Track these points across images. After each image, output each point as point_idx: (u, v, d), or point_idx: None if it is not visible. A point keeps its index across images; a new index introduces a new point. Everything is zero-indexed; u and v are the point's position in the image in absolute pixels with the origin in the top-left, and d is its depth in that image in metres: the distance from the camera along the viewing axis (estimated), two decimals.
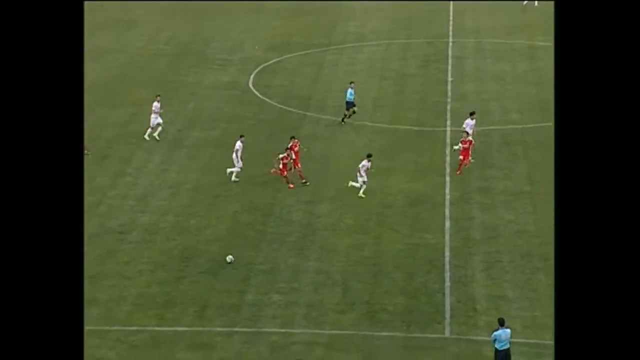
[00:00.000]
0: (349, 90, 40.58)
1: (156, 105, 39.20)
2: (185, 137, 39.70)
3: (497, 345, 22.96)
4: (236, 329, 25.64)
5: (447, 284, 28.00)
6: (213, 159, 37.68)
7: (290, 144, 35.14)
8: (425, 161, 37.09)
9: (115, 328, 25.65)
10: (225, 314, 26.48)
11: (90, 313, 26.34)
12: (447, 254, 29.82)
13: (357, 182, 33.92)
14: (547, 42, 50.99)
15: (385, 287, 27.96)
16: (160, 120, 39.09)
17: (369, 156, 34.10)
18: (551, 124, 40.18)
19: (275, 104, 43.90)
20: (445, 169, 36.17)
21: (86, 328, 25.70)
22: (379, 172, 35.78)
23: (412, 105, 43.34)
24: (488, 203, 33.32)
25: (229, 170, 35.52)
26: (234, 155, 35.17)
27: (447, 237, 30.88)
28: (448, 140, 38.81)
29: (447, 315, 26.31)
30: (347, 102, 40.69)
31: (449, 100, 43.60)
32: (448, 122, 41.17)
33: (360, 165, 33.85)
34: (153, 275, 28.57)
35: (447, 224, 31.87)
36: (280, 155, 34.68)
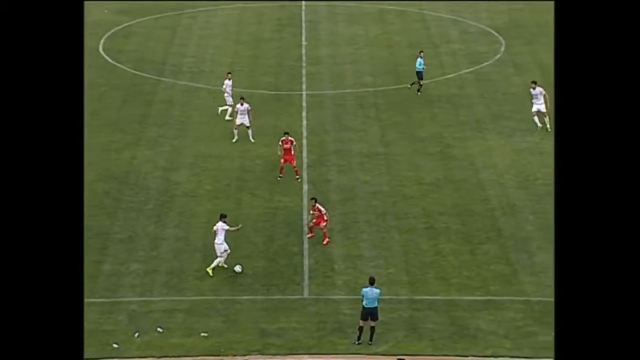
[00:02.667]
0: (418, 59, 39.66)
1: (227, 83, 37.72)
2: None
3: (363, 302, 23.67)
4: (93, 300, 25.31)
5: (306, 245, 28.49)
6: None
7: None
8: (283, 125, 37.39)
9: None
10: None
11: None
12: (305, 216, 30.29)
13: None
14: (396, 7, 52.03)
15: (246, 251, 28.19)
16: (231, 100, 37.40)
17: None
18: (402, 85, 41.23)
19: (128, 69, 43.14)
20: (302, 132, 36.59)
21: None
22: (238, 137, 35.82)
23: (268, 70, 43.49)
24: (344, 165, 33.97)
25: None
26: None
27: (305, 199, 31.35)
28: (304, 104, 39.21)
29: (306, 277, 26.83)
30: (417, 73, 39.48)
31: (304, 64, 43.96)
32: (304, 86, 41.57)
33: None
34: None
35: (305, 187, 32.33)
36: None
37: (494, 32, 47.66)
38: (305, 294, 26.04)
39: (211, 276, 26.50)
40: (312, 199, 29.08)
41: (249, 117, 35.43)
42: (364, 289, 23.79)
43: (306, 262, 27.59)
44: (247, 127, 35.44)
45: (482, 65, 43.36)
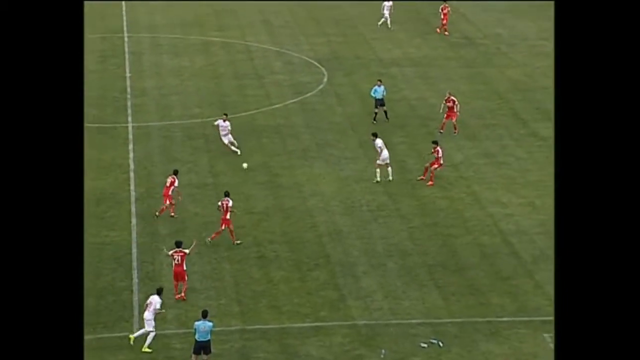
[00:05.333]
0: (376, 87, 39.92)
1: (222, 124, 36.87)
2: None
3: (195, 336, 23.51)
4: None
5: (135, 280, 28.06)
6: None
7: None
8: (108, 158, 36.76)
9: None
10: None
11: None
12: (134, 250, 29.84)
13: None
14: (220, 38, 52.36)
15: None
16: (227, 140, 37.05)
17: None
18: (230, 116, 41.52)
19: None
20: (129, 165, 36.08)
21: None
22: None
23: (92, 102, 42.67)
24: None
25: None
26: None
27: (133, 234, 30.89)
28: (130, 137, 38.72)
29: (136, 312, 26.40)
30: (377, 100, 39.80)
31: (129, 96, 43.45)
32: (129, 118, 41.05)
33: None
34: None
35: (134, 220, 31.87)
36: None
37: (316, 64, 48.75)
38: (135, 331, 25.61)
39: (149, 352, 24.63)
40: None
41: None
42: (196, 322, 23.66)
43: (135, 297, 27.15)
44: None
45: (306, 95, 44.25)
